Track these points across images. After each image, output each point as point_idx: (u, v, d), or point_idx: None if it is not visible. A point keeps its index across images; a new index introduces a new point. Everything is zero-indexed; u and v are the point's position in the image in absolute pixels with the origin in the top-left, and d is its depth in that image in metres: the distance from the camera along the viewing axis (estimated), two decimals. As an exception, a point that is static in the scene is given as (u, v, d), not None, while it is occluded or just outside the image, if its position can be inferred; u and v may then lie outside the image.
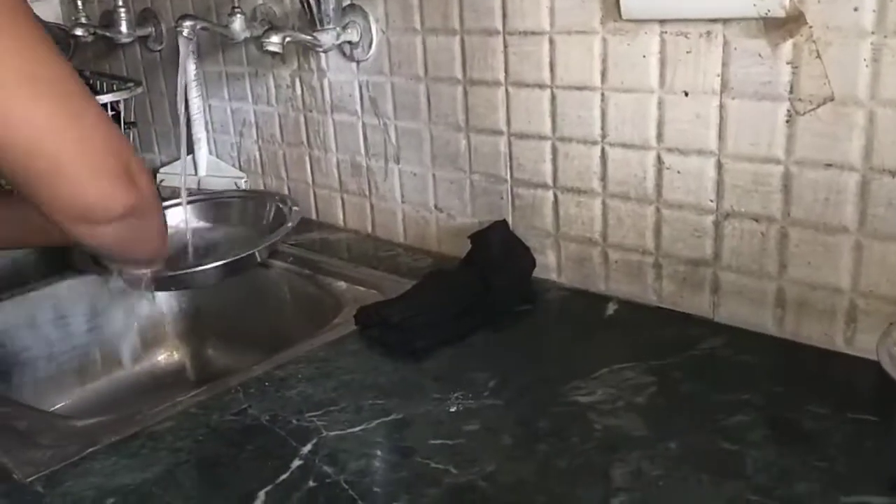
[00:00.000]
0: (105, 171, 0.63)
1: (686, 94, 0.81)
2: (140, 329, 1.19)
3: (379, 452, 0.68)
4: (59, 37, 1.37)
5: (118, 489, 0.64)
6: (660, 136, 0.85)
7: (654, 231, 0.88)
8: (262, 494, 0.62)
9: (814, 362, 0.78)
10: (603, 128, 0.89)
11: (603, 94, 0.88)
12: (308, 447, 0.68)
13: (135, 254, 0.77)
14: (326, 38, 1.06)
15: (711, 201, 0.83)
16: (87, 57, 1.57)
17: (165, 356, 1.21)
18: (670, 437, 0.67)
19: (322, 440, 0.69)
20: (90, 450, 0.69)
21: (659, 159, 0.86)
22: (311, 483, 0.63)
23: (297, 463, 0.66)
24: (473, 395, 0.75)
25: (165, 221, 0.83)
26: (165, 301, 1.22)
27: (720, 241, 0.83)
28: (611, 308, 0.92)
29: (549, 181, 0.96)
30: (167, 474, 0.65)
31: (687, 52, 0.80)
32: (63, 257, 1.13)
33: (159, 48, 1.45)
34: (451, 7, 0.98)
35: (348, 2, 1.08)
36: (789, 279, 0.80)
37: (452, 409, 0.73)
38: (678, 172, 0.84)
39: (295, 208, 1.18)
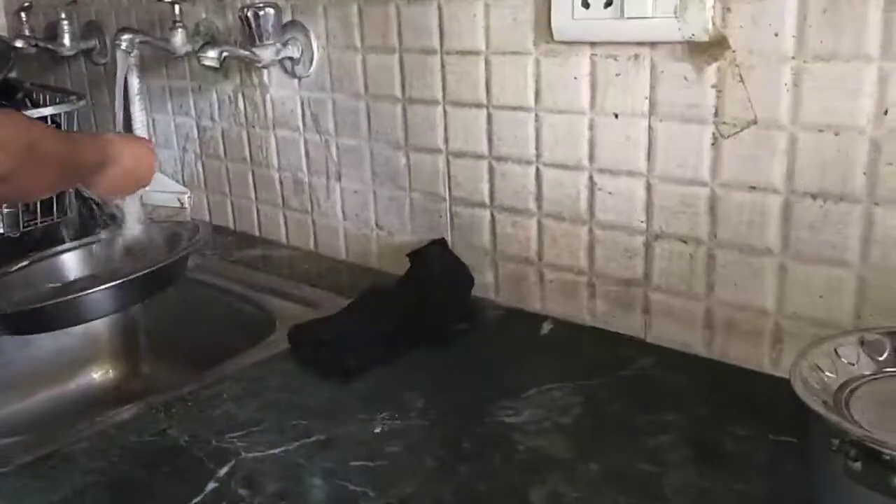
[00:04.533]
0: None
1: (616, 116, 0.82)
2: (74, 346, 1.17)
3: (297, 475, 0.66)
4: (1, 48, 1.34)
5: (24, 513, 0.62)
6: (592, 157, 0.85)
7: (587, 251, 0.89)
8: (172, 518, 0.61)
9: (740, 383, 0.78)
10: (537, 148, 0.89)
11: (537, 115, 0.88)
12: (225, 469, 0.67)
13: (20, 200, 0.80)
14: (266, 53, 1.06)
15: (642, 222, 0.83)
16: (32, 69, 1.55)
17: (100, 374, 1.18)
18: (592, 458, 0.67)
19: (240, 462, 0.68)
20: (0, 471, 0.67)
21: (591, 180, 0.86)
22: (223, 506, 0.62)
23: (211, 486, 0.64)
24: (400, 415, 0.74)
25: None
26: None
27: (650, 261, 0.84)
28: (545, 327, 0.92)
29: (487, 200, 0.96)
30: (76, 497, 0.64)
31: (616, 75, 0.81)
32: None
33: (104, 61, 1.43)
34: (391, 25, 0.98)
35: (289, 18, 1.08)
36: (717, 300, 0.80)
37: (377, 430, 0.72)
38: (609, 193, 0.85)
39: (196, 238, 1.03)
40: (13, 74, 1.38)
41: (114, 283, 0.90)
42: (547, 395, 0.77)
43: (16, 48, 1.36)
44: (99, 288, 0.89)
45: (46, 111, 1.30)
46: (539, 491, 0.63)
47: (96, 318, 0.97)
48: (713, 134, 0.76)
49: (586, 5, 0.79)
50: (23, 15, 1.45)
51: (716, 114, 0.75)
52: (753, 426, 0.70)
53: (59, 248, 1.06)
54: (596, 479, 0.64)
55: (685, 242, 0.81)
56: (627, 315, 0.87)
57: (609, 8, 0.78)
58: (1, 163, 0.69)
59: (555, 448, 0.69)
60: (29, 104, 1.32)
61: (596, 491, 0.63)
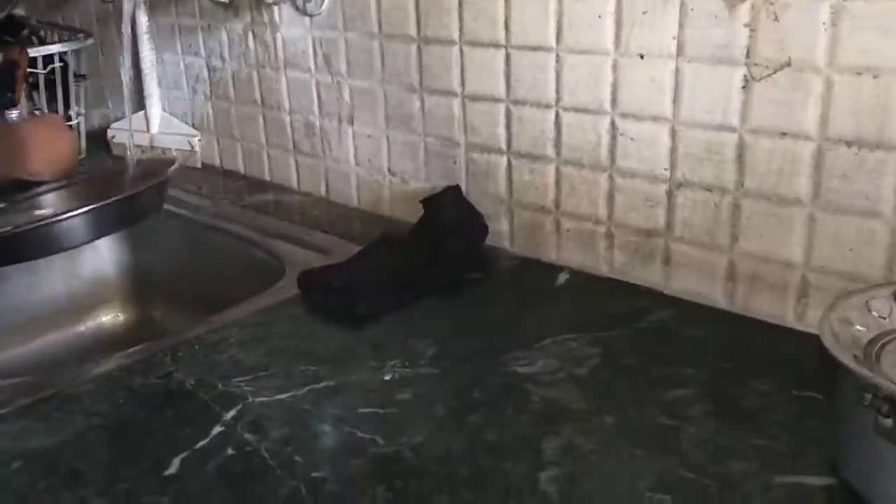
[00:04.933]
0: None
1: (641, 57, 0.78)
2: (84, 289, 1.15)
3: (305, 420, 0.65)
4: (6, -17, 1.30)
5: (25, 453, 0.60)
6: (614, 101, 0.82)
7: (606, 200, 0.86)
8: (176, 461, 0.59)
9: (763, 338, 0.76)
10: (557, 91, 0.86)
11: (558, 56, 0.84)
12: (231, 413, 0.65)
13: None
14: (277, -11, 1.02)
15: (665, 170, 0.80)
16: (38, 6, 1.51)
17: (110, 317, 1.17)
18: (608, 411, 0.65)
19: (247, 406, 0.66)
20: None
21: (613, 125, 0.82)
22: (229, 451, 0.60)
23: (217, 429, 0.63)
24: (410, 363, 0.73)
25: None
26: (111, 260, 1.18)
27: (672, 211, 0.81)
28: (561, 278, 0.89)
29: (503, 146, 0.92)
30: (78, 439, 0.62)
31: (643, 13, 0.77)
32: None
33: (112, -1, 1.39)
34: (407, -40, 0.94)
35: (301, -48, 1.04)
36: (741, 252, 0.77)
37: (387, 378, 0.70)
38: (632, 139, 0.81)
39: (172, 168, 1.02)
40: (19, 11, 1.35)
41: (85, 209, 0.85)
42: (562, 346, 0.75)
43: (22, -17, 1.32)
44: (69, 214, 0.84)
45: (54, 48, 1.27)
46: (552, 442, 0.61)
47: (69, 247, 0.91)
48: (744, 76, 0.72)
49: (614, -63, 0.75)
50: (29, -51, 1.41)
51: (747, 55, 0.72)
52: (775, 381, 0.68)
53: (36, 190, 1.03)
54: (611, 431, 0.62)
55: (710, 191, 0.77)
56: (647, 266, 0.84)
57: (638, -60, 0.73)
58: None
59: (569, 399, 0.67)
60: (35, 41, 1.29)
61: (611, 443, 0.61)
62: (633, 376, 0.70)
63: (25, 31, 1.28)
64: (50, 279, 1.13)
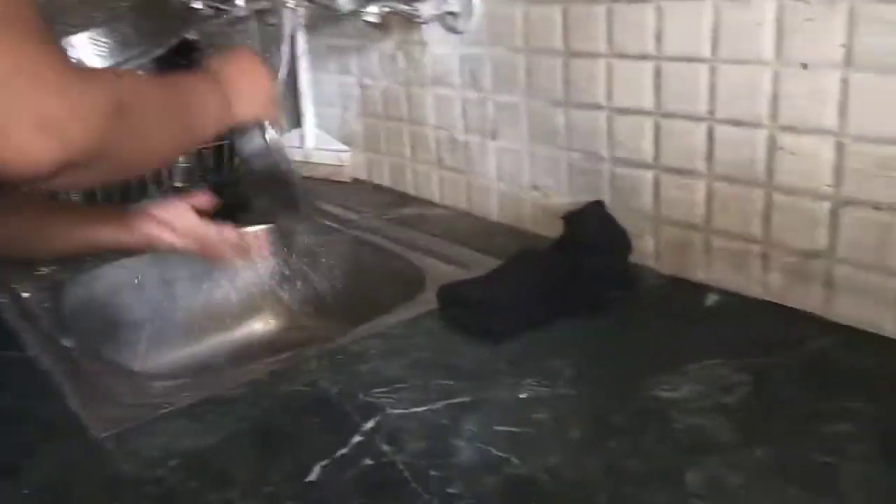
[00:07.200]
0: (16, 125, 0.50)
1: (804, 67, 0.73)
2: (240, 297, 1.22)
3: (441, 435, 0.65)
4: (179, 9, 1.41)
5: (181, 452, 0.64)
6: (773, 114, 0.77)
7: (762, 218, 0.81)
8: (317, 468, 0.61)
9: (940, 372, 0.69)
10: (710, 103, 0.82)
11: (712, 67, 0.81)
12: (370, 424, 0.66)
13: (132, 171, 0.71)
14: (426, 8, 1.04)
15: (828, 186, 0.74)
16: (210, 31, 1.62)
17: (261, 324, 1.23)
18: (758, 444, 0.61)
19: (385, 418, 0.67)
20: (162, 412, 0.70)
21: (771, 139, 0.78)
22: (367, 461, 0.61)
23: (356, 439, 0.64)
24: (548, 382, 0.71)
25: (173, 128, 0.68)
26: (265, 270, 1.23)
27: (836, 230, 0.75)
28: (710, 299, 0.85)
29: (650, 160, 0.89)
30: (229, 441, 0.65)
31: (806, 20, 0.72)
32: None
33: (274, 21, 1.47)
34: (553, -26, 0.93)
35: (450, -29, 1.05)
36: (915, 277, 0.71)
37: (523, 396, 0.69)
38: (792, 154, 0.76)
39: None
40: (191, 35, 1.45)
41: None
42: (710, 372, 0.71)
43: (193, 9, 1.42)
44: None
45: (219, 71, 1.35)
46: (696, 474, 0.58)
47: None
48: (921, 86, 0.66)
49: (774, -59, 0.71)
50: (201, -21, 1.51)
51: (926, 62, 0.65)
52: (954, 421, 0.61)
53: None
54: (762, 466, 0.58)
55: (879, 210, 0.71)
56: (806, 289, 0.79)
57: (801, -57, 0.69)
58: (81, 138, 0.53)
59: (716, 429, 0.63)
60: (204, 64, 1.38)
61: (760, 478, 0.57)
62: (787, 407, 0.65)
63: (197, 54, 1.37)
64: (212, 288, 1.20)
